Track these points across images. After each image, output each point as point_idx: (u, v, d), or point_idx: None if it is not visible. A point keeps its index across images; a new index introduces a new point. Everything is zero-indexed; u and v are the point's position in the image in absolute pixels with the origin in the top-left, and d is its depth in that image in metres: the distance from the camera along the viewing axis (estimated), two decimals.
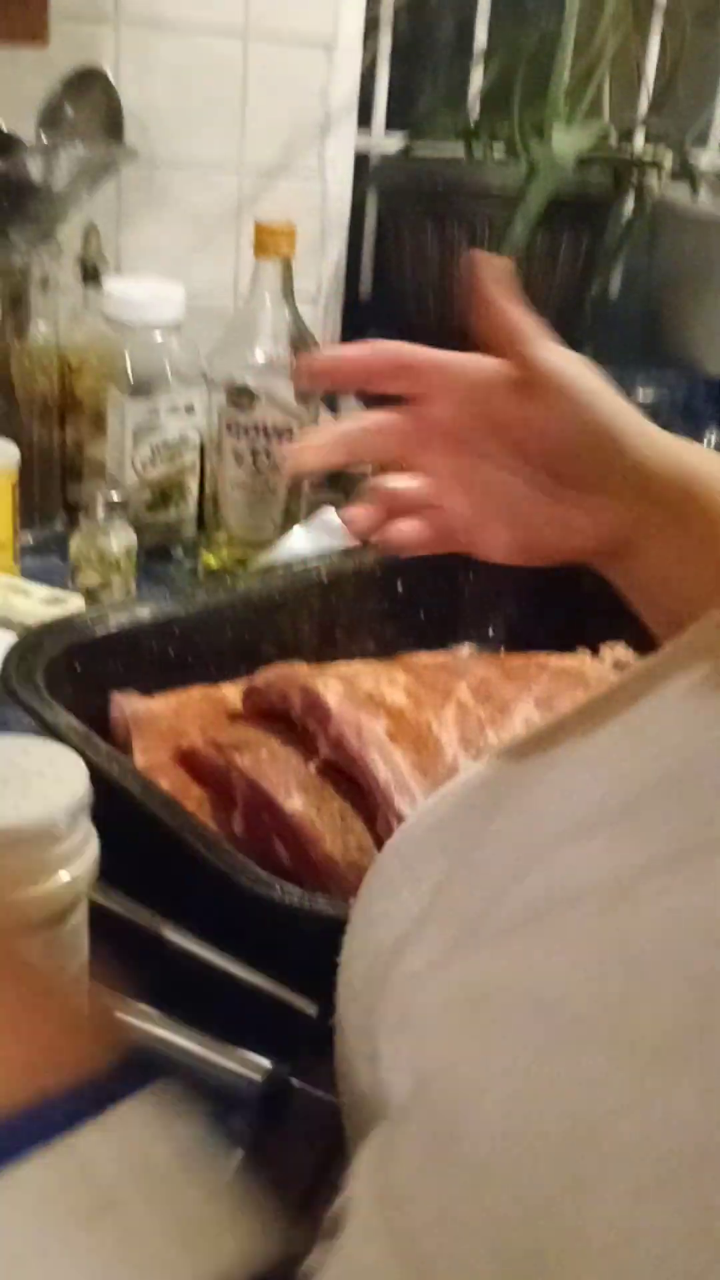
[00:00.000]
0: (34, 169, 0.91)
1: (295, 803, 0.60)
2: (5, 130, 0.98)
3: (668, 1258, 0.16)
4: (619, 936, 0.19)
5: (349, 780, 0.63)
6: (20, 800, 0.43)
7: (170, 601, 0.77)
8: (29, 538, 0.99)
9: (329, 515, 0.97)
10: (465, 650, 0.89)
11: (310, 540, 0.95)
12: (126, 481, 0.98)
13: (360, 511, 0.51)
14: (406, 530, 0.51)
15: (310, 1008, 0.51)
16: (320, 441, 0.53)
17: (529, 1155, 0.18)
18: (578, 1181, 0.17)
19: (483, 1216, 0.18)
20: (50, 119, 0.99)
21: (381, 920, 0.32)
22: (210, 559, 0.99)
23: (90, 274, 1.04)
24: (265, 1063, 0.50)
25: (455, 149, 1.30)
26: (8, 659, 0.67)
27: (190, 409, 0.99)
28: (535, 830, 0.23)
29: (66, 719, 0.62)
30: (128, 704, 0.72)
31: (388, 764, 0.61)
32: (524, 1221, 0.17)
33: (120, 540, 0.89)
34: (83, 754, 0.57)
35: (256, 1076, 0.49)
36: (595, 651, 0.84)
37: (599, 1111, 0.18)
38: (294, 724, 0.67)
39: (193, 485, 1.03)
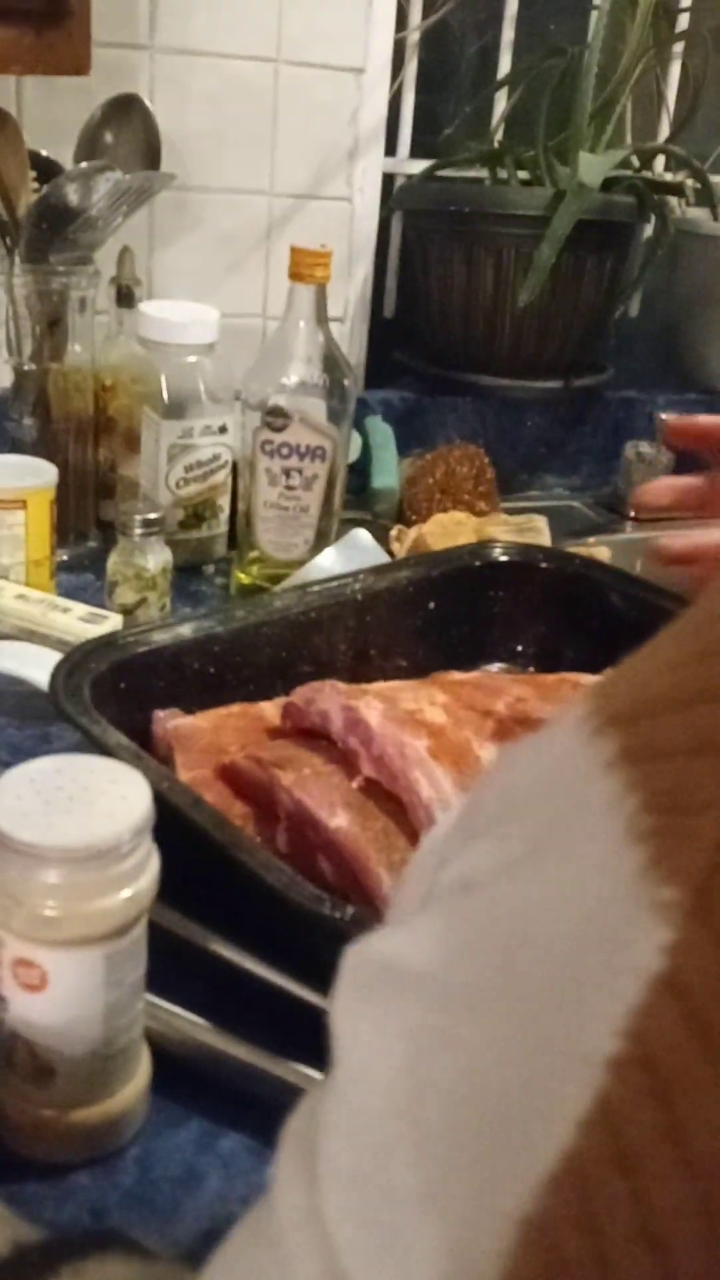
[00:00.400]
0: (72, 194, 0.93)
1: (340, 820, 0.61)
2: (45, 156, 1.00)
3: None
4: (478, 921, 0.22)
5: (391, 799, 0.64)
6: (87, 819, 0.45)
7: (210, 619, 0.78)
8: (63, 555, 1.00)
9: (359, 534, 0.99)
10: (496, 670, 0.90)
11: (341, 559, 0.96)
12: (160, 500, 1.00)
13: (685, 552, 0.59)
14: None
15: None
16: (671, 485, 0.63)
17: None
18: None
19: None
20: (89, 145, 1.01)
21: None
22: (242, 577, 1.01)
23: (125, 296, 1.06)
24: (315, 1075, 0.51)
25: (480, 173, 1.32)
26: (55, 676, 0.69)
27: (223, 429, 1.01)
28: (469, 825, 0.25)
29: (117, 736, 0.63)
30: (170, 720, 0.73)
31: (431, 782, 0.62)
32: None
33: (157, 558, 0.91)
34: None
35: (307, 1088, 0.50)
36: None
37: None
38: (333, 742, 0.68)
39: (225, 504, 1.04)
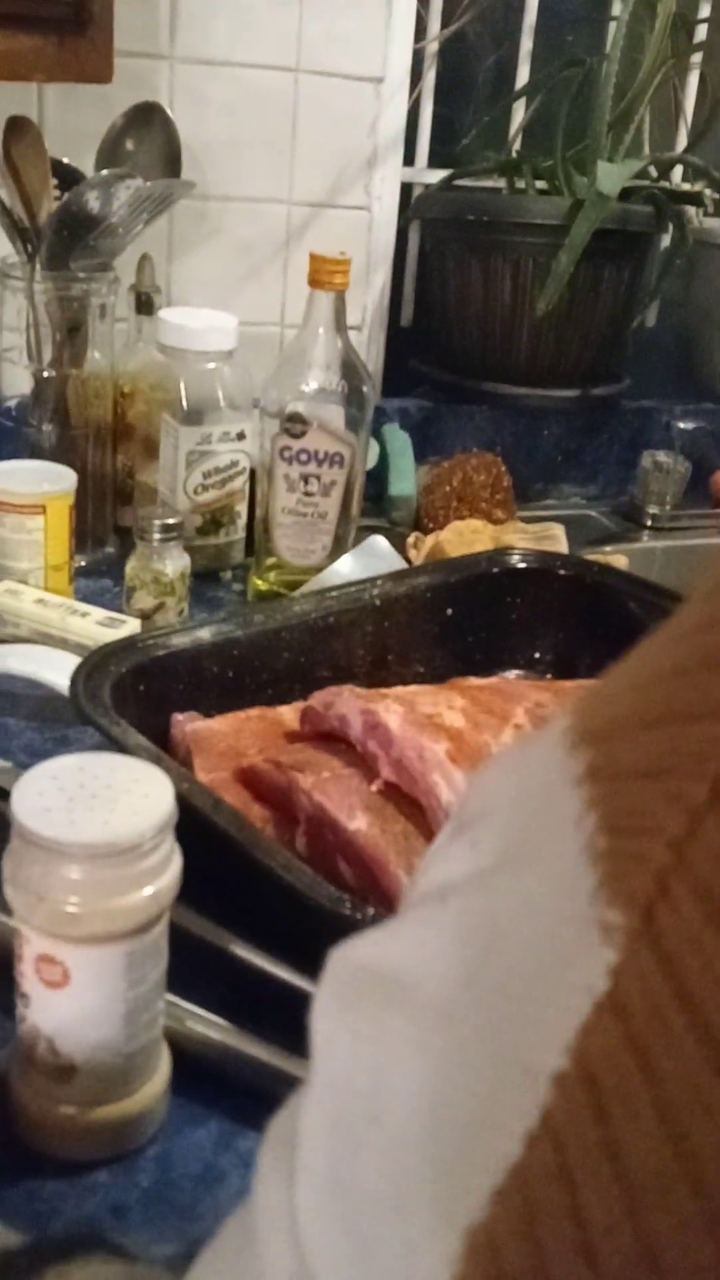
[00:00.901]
0: (93, 201, 0.94)
1: (360, 822, 0.61)
2: (66, 164, 1.00)
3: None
4: (450, 930, 0.22)
5: (411, 802, 0.64)
6: (109, 817, 0.45)
7: (229, 624, 0.78)
8: (81, 560, 1.01)
9: (377, 541, 0.99)
10: (513, 676, 0.90)
11: (358, 566, 0.96)
12: (178, 506, 1.00)
13: None
14: None
15: None
16: None
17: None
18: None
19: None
20: (109, 153, 1.02)
21: None
22: (259, 583, 1.01)
23: (144, 303, 1.07)
24: None
25: (497, 183, 1.33)
26: (74, 679, 0.69)
27: (242, 435, 1.01)
28: (453, 830, 0.25)
29: (136, 738, 0.64)
30: (188, 723, 0.73)
31: (450, 785, 0.62)
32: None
33: (175, 563, 0.91)
34: None
35: None
36: None
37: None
38: (352, 745, 0.69)
39: (243, 510, 1.05)
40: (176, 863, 0.48)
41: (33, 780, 0.46)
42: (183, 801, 0.58)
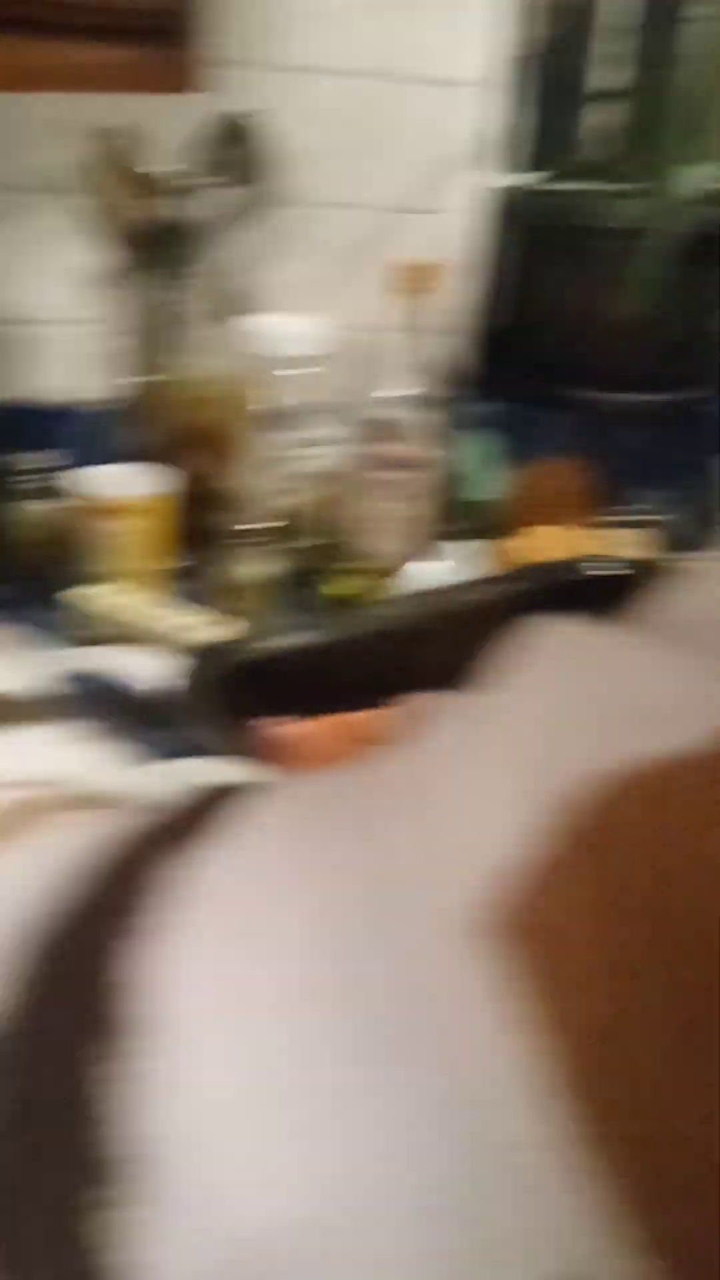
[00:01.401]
0: (188, 209, 0.95)
1: None
2: (163, 170, 1.02)
3: None
4: None
5: None
6: None
7: (313, 629, 0.79)
8: (174, 563, 1.02)
9: (459, 547, 0.99)
10: None
11: (441, 571, 0.97)
12: (264, 511, 1.02)
13: None
14: None
15: None
16: None
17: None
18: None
19: None
20: (204, 160, 1.03)
21: None
22: (343, 588, 1.02)
23: (233, 310, 1.08)
24: None
25: (591, 186, 1.32)
26: (166, 680, 0.70)
27: (327, 441, 1.02)
28: None
29: (230, 741, 0.65)
30: (274, 727, 0.74)
31: None
32: None
33: (259, 568, 0.93)
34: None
35: None
36: None
37: None
38: None
39: (327, 515, 1.06)
40: None
41: (135, 785, 0.47)
42: None
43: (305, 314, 1.07)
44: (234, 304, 1.08)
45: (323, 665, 0.79)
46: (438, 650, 0.87)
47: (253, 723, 0.76)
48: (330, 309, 1.19)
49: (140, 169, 0.98)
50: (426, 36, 1.18)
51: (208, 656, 0.75)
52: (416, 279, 0.92)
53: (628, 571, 0.97)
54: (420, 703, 0.72)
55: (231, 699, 0.75)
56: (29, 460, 0.99)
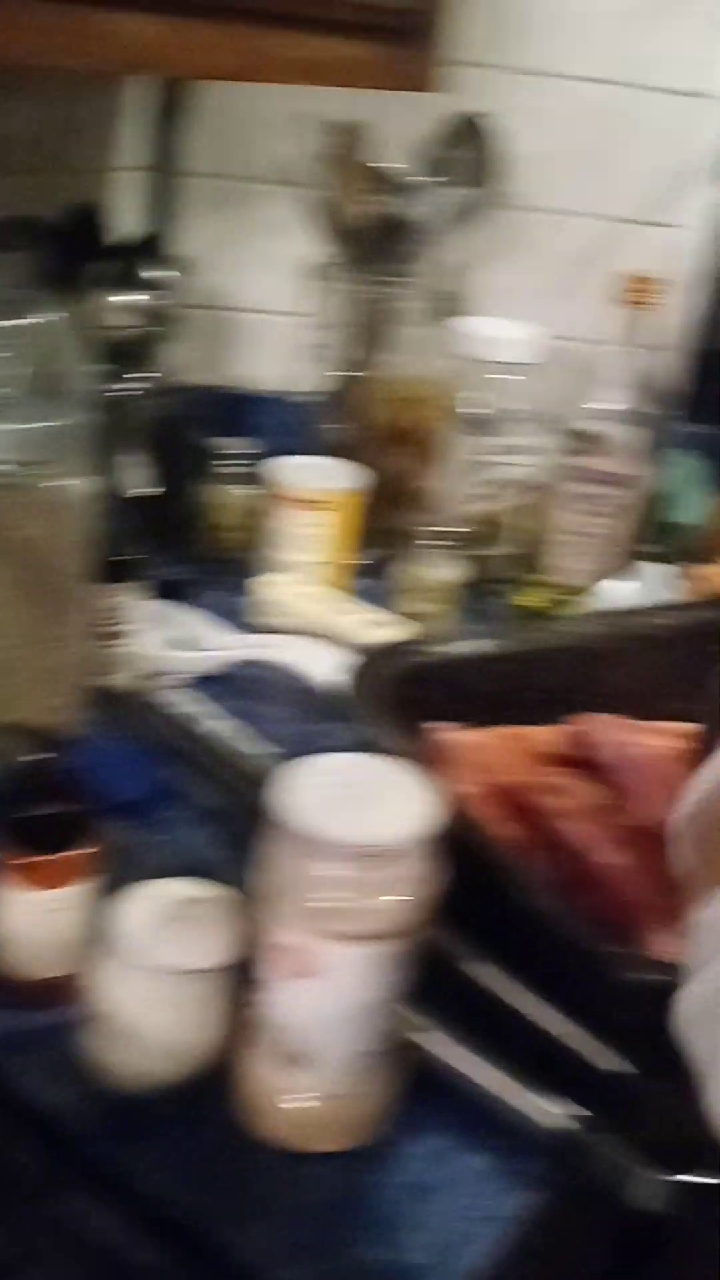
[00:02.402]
0: (410, 207, 0.95)
1: (611, 857, 0.60)
2: (387, 168, 1.02)
3: None
4: None
5: (660, 839, 0.62)
6: (376, 817, 0.45)
7: (494, 638, 0.78)
8: (359, 559, 1.02)
9: (655, 569, 0.96)
10: None
11: (634, 592, 0.94)
12: (457, 515, 1.00)
13: None
14: None
15: (619, 1063, 0.51)
16: None
17: None
18: None
19: None
20: (430, 160, 1.03)
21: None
22: (529, 599, 1.00)
23: (447, 311, 1.07)
24: (560, 1110, 0.50)
25: None
26: (339, 676, 0.70)
27: (530, 449, 1.00)
28: None
29: (396, 741, 0.64)
30: (442, 734, 0.73)
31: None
32: None
33: (447, 571, 0.92)
34: None
35: (552, 1123, 0.49)
36: None
37: None
38: (606, 775, 0.67)
39: (523, 524, 1.04)
40: (438, 874, 0.48)
41: (298, 773, 0.47)
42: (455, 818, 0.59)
43: (522, 321, 1.05)
44: (449, 305, 1.08)
45: (501, 675, 0.78)
46: (623, 672, 0.84)
47: (424, 726, 0.75)
48: (548, 317, 1.17)
49: (370, 164, 0.98)
50: (672, 45, 1.14)
51: (384, 655, 0.75)
52: (639, 291, 0.89)
53: None
54: (598, 723, 0.71)
55: (404, 700, 0.74)
56: (233, 445, 1.01)
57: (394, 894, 0.45)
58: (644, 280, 0.89)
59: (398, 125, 1.09)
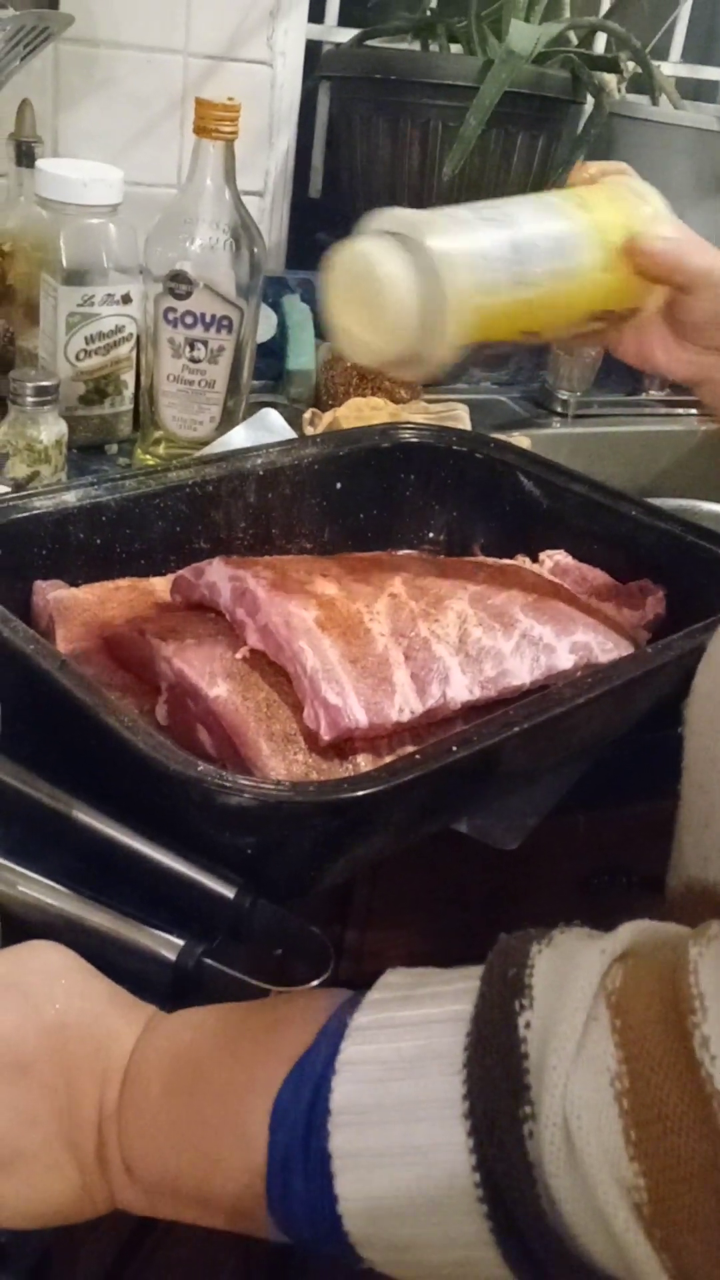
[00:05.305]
0: None
1: (220, 690, 0.59)
2: None
3: None
4: None
5: (278, 671, 0.61)
6: None
7: (99, 488, 0.74)
8: None
9: (269, 415, 0.95)
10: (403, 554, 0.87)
11: (250, 440, 0.92)
12: (60, 373, 0.95)
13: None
14: None
15: (228, 890, 0.50)
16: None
17: None
18: None
19: None
20: None
21: None
22: (145, 457, 0.97)
23: (24, 154, 1.00)
24: (178, 941, 0.49)
25: (411, 45, 1.26)
26: None
27: (127, 298, 0.96)
28: None
29: (8, 603, 0.60)
30: (51, 591, 0.70)
31: (316, 653, 0.60)
32: None
33: (50, 430, 0.87)
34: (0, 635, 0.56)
35: (170, 955, 0.48)
36: (535, 559, 0.83)
37: None
38: (222, 615, 0.65)
39: (129, 379, 0.99)
40: None
41: None
42: (29, 665, 0.55)
43: (105, 163, 0.99)
44: (25, 147, 1.00)
45: (112, 526, 0.74)
46: (235, 515, 0.82)
47: (35, 584, 0.71)
48: (136, 160, 1.11)
49: None
50: None
51: None
52: (216, 120, 0.85)
53: (437, 441, 0.93)
54: (213, 565, 0.68)
55: (10, 559, 0.70)
56: None
57: None
58: (222, 107, 0.85)
59: None
